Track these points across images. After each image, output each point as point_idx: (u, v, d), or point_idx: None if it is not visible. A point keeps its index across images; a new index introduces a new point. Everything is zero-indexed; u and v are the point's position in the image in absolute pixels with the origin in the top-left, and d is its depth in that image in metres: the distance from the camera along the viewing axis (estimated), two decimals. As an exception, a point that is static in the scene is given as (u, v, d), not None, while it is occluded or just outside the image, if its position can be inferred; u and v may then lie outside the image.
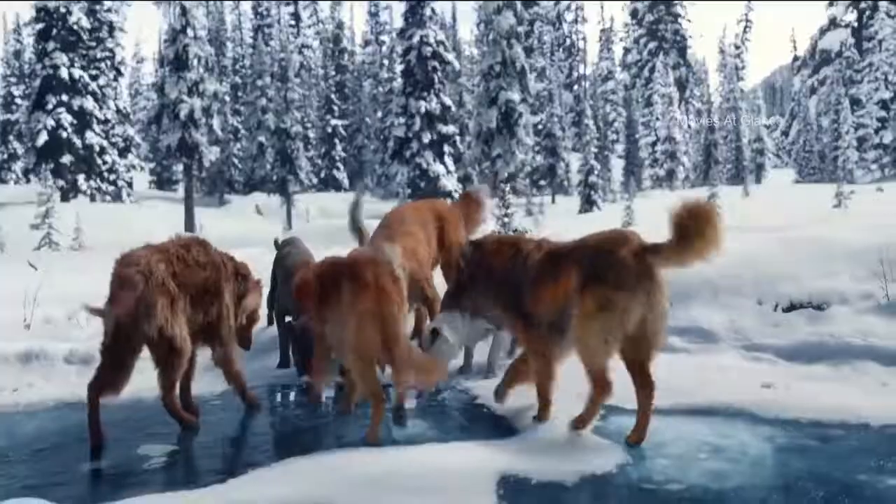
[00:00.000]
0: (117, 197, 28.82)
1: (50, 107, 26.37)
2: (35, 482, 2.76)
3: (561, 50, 45.71)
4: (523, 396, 3.37)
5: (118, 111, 29.88)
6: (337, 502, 2.42)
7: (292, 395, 4.03)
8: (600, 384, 2.95)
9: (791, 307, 4.25)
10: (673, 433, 3.04)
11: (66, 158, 26.58)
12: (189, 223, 24.46)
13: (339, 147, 37.20)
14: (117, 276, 3.13)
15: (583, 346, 2.93)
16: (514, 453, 2.79)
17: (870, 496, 2.41)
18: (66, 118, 26.52)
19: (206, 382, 3.87)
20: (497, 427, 3.22)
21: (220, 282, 3.44)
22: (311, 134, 35.40)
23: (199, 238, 3.55)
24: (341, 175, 37.25)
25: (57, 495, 2.56)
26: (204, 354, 3.60)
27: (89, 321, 5.24)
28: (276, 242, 5.17)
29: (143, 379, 3.37)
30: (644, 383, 2.92)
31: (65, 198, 24.52)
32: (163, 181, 38.15)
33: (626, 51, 48.67)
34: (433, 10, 26.63)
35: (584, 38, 49.48)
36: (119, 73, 30.38)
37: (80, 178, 27.19)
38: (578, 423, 3.02)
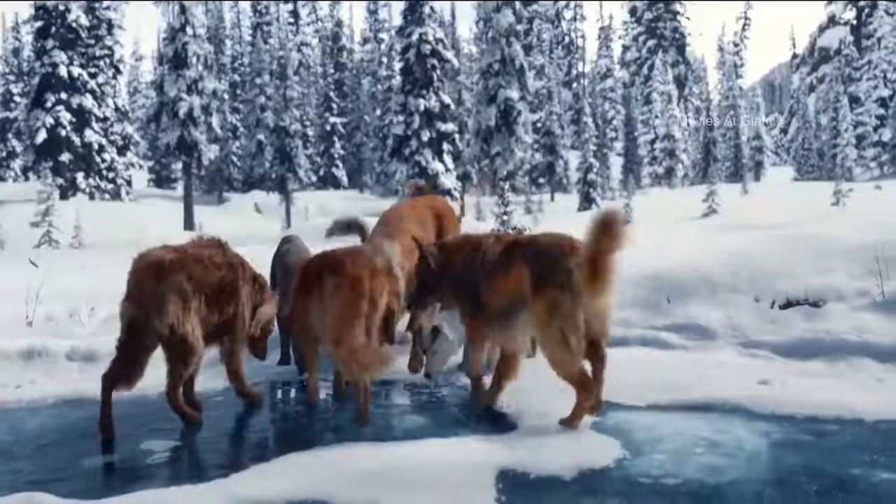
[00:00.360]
0: (116, 195, 28.82)
1: (49, 105, 26.36)
2: (39, 477, 2.79)
3: (560, 48, 45.74)
4: (521, 392, 3.41)
5: (117, 109, 29.86)
6: (337, 497, 2.45)
7: (292, 392, 4.06)
8: (580, 385, 3.07)
9: (788, 304, 4.28)
10: (670, 428, 3.08)
11: (65, 156, 26.58)
12: (188, 221, 24.47)
13: (337, 145, 37.20)
14: (133, 274, 3.22)
15: (549, 350, 3.09)
16: (512, 448, 2.82)
17: (863, 489, 2.45)
18: (65, 116, 26.51)
19: (208, 378, 3.90)
20: (496, 422, 3.26)
21: (238, 280, 3.51)
22: (310, 132, 35.39)
23: (218, 239, 3.60)
24: (340, 173, 37.26)
25: (61, 490, 2.59)
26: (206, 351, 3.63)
27: (91, 318, 5.28)
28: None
29: (146, 378, 3.42)
30: (598, 356, 3.19)
31: (63, 196, 24.51)
32: (161, 179, 38.15)
33: (625, 48, 48.68)
34: (432, 7, 26.60)
35: (583, 36, 49.57)
36: (118, 71, 30.35)
37: (79, 176, 27.20)
38: (568, 421, 3.11)
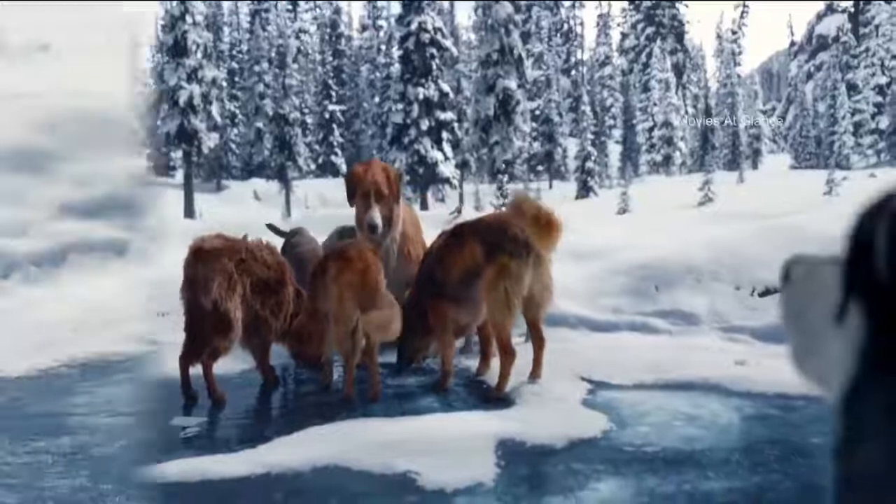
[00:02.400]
0: (117, 183, 28.95)
1: (48, 93, 26.44)
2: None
3: (558, 35, 45.66)
4: (518, 373, 3.71)
5: (116, 97, 29.89)
6: (356, 463, 2.75)
7: (305, 374, 4.36)
8: (506, 350, 3.53)
9: (766, 292, 4.58)
10: (653, 405, 3.39)
11: (66, 145, 26.71)
12: (188, 209, 24.68)
13: (336, 133, 37.26)
14: (186, 259, 3.57)
15: (492, 311, 3.51)
16: (509, 422, 3.12)
17: (818, 455, 2.76)
18: (65, 105, 26.60)
19: (228, 362, 4.20)
20: (494, 400, 3.56)
21: (284, 280, 3.87)
22: (309, 119, 35.44)
23: (270, 244, 3.97)
24: (339, 160, 37.33)
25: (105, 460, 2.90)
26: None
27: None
28: (270, 227, 5.56)
29: (173, 359, 3.73)
30: (537, 336, 3.70)
31: (65, 184, 24.68)
32: (160, 167, 38.20)
33: (624, 36, 48.59)
34: (431, -4, 26.62)
35: (581, 24, 49.46)
36: (116, 58, 30.34)
37: (80, 164, 27.33)
38: (495, 391, 3.52)
